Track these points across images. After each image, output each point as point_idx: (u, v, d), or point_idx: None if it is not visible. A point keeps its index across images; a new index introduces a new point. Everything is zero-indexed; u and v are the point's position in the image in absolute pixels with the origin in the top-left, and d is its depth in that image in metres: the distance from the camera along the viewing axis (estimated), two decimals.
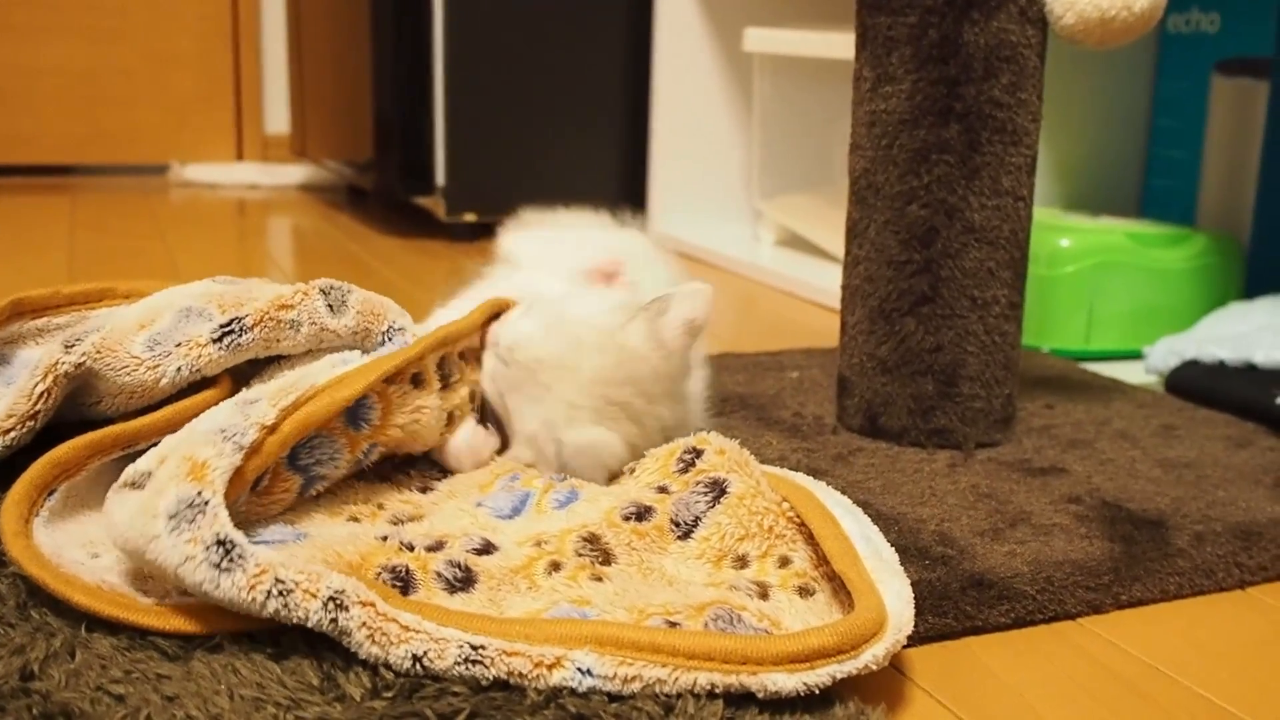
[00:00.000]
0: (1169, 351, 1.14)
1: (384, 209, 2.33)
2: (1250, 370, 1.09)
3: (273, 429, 0.67)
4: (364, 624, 0.57)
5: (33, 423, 0.76)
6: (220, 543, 0.58)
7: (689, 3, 1.94)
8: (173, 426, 0.73)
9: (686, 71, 1.96)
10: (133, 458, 0.67)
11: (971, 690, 0.66)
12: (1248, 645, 0.72)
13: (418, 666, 0.56)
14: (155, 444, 0.67)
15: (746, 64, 1.97)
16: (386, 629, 0.57)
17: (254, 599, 0.57)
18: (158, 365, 0.77)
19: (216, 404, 0.76)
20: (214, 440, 0.64)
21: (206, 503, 0.60)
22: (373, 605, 0.57)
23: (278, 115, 2.71)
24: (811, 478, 0.76)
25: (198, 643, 0.60)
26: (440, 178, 1.92)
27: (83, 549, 0.66)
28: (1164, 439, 0.97)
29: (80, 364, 0.76)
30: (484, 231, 2.02)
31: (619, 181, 2.04)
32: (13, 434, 0.76)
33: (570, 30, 1.96)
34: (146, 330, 0.79)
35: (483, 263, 1.03)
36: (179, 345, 0.77)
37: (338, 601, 0.57)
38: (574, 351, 0.76)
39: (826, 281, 1.64)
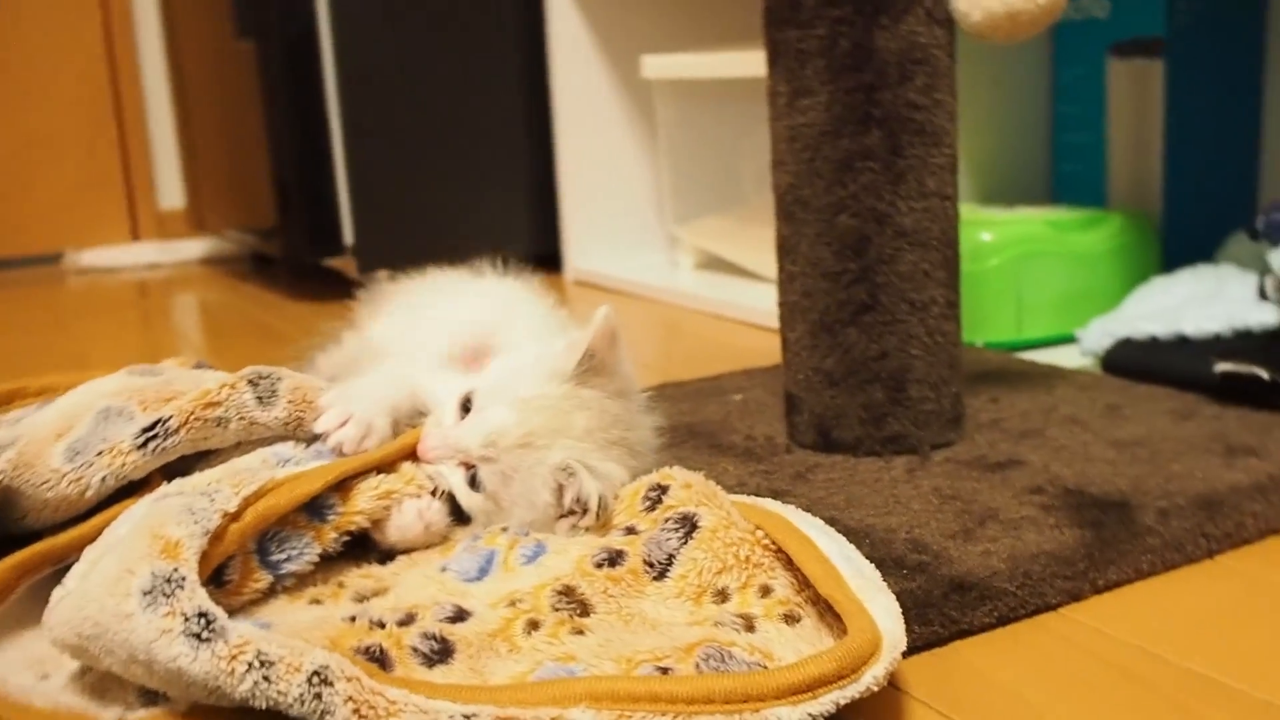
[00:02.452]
0: (1102, 332, 1.15)
1: (292, 275, 2.29)
2: (1183, 342, 1.10)
3: (235, 516, 0.64)
4: (350, 699, 0.54)
5: None
6: (201, 614, 0.56)
7: (583, 36, 1.93)
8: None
9: (587, 105, 1.95)
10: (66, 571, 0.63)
11: (967, 695, 0.65)
12: (1225, 613, 0.73)
13: None
14: None
15: (646, 91, 1.97)
16: (374, 703, 0.54)
17: (233, 671, 0.54)
18: (80, 478, 0.73)
19: None
20: (184, 521, 0.62)
21: (184, 578, 0.58)
22: (358, 680, 0.54)
23: (171, 190, 2.65)
24: (778, 501, 0.75)
25: None
26: (349, 237, 1.89)
27: (30, 671, 0.63)
28: (1111, 419, 0.98)
29: None
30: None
31: (531, 221, 2.03)
32: None
33: (466, 74, 1.94)
34: (65, 439, 0.75)
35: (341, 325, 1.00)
36: (100, 454, 0.74)
37: (322, 676, 0.54)
38: (557, 417, 0.75)
39: (750, 299, 1.64)
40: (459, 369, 0.84)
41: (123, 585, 0.57)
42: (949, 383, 0.94)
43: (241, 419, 0.77)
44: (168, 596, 0.57)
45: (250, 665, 0.54)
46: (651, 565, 0.69)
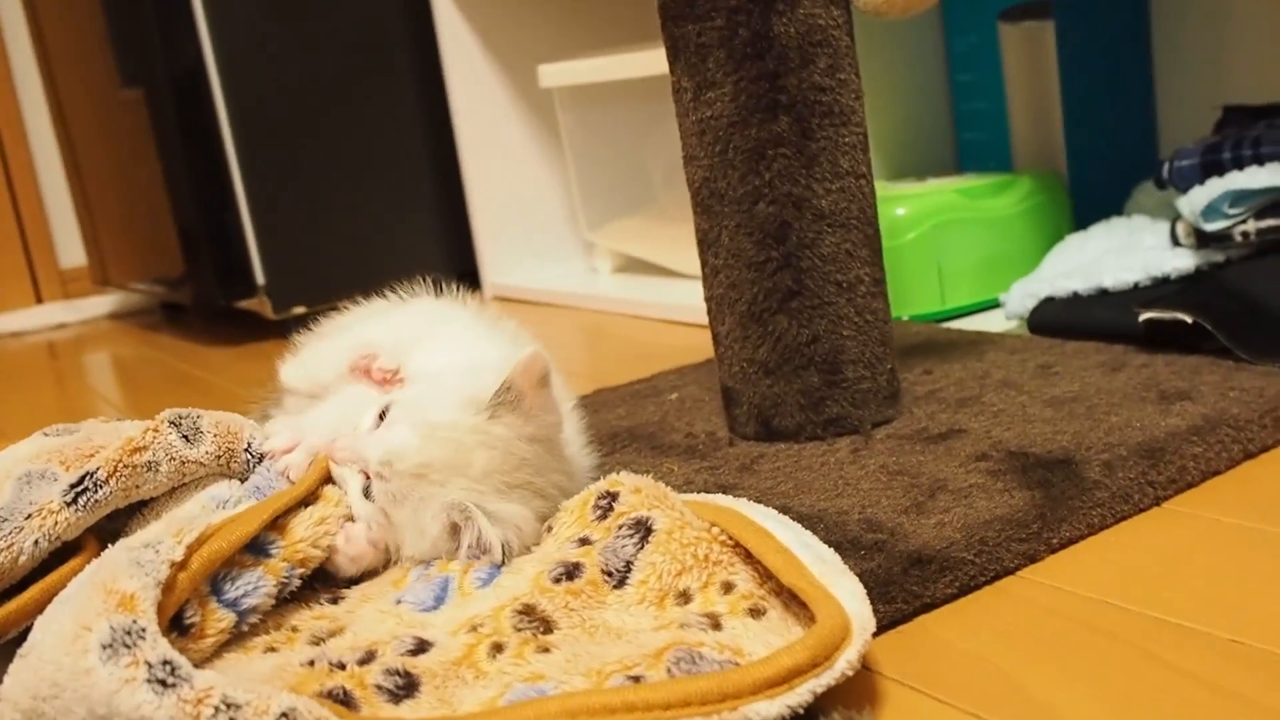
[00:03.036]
0: (1024, 294, 1.16)
1: (204, 320, 2.24)
2: (1103, 295, 1.12)
3: (182, 565, 0.63)
4: None
5: None
6: (165, 662, 0.54)
7: (475, 52, 1.92)
8: (43, 606, 0.68)
9: (487, 120, 1.94)
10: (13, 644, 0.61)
11: (938, 668, 0.65)
12: (1179, 558, 0.73)
13: None
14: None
15: (546, 100, 1.96)
16: None
17: (199, 716, 0.53)
18: (11, 545, 0.70)
19: (82, 568, 0.71)
20: (135, 574, 0.60)
21: (144, 629, 0.56)
22: None
23: (71, 248, 2.58)
24: (729, 496, 0.74)
25: None
26: (260, 277, 1.86)
27: None
28: (1044, 379, 0.99)
29: None
30: (316, 321, 1.96)
31: (443, 240, 2.00)
32: None
33: (362, 100, 1.91)
34: None
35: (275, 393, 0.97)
36: (30, 517, 0.71)
37: (290, 718, 0.53)
38: (458, 453, 0.72)
39: (670, 297, 1.63)
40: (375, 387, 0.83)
41: (80, 642, 0.56)
42: (883, 360, 0.94)
43: (171, 459, 0.75)
44: (129, 648, 0.55)
45: (216, 709, 0.53)
46: (610, 574, 0.68)
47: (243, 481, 0.79)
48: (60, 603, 0.62)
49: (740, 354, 0.94)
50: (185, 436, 0.77)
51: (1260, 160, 1.07)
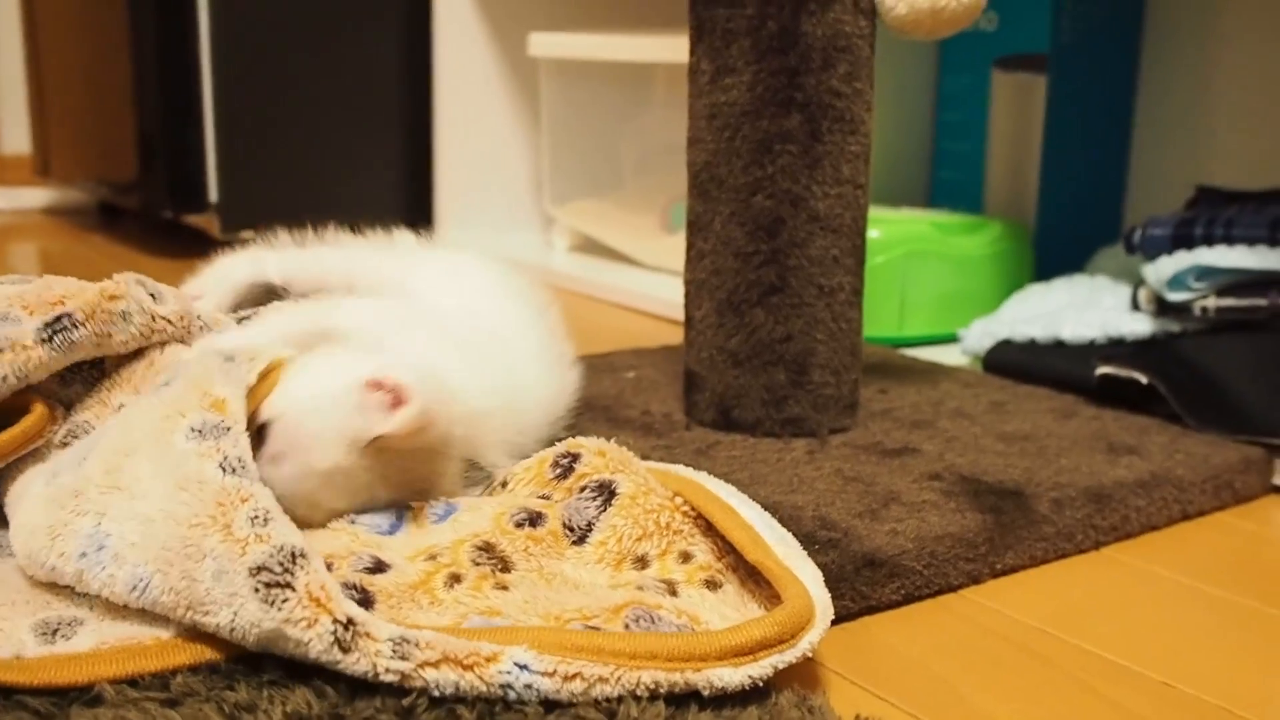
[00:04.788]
0: (983, 333, 1.18)
1: (144, 229, 2.19)
2: (1059, 346, 1.14)
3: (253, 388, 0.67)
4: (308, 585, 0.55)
5: None
6: (239, 458, 0.61)
7: (469, 9, 1.90)
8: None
9: (469, 78, 1.92)
10: None
11: (880, 668, 0.65)
12: (1116, 600, 0.75)
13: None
14: None
15: (531, 69, 1.95)
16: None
17: (241, 501, 0.58)
18: None
19: (39, 429, 0.69)
20: (226, 381, 0.65)
21: (229, 428, 0.62)
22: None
23: (16, 135, 2.51)
24: (690, 469, 0.75)
25: (73, 697, 0.53)
26: (213, 194, 1.82)
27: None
28: (997, 414, 1.01)
29: None
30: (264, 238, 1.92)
31: (404, 190, 1.98)
32: None
33: (346, 36, 1.89)
34: None
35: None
36: (0, 351, 0.69)
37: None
38: (336, 496, 0.68)
39: (625, 283, 1.63)
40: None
41: (171, 421, 0.62)
42: (849, 369, 0.95)
43: (143, 312, 0.74)
44: (214, 439, 0.61)
45: (255, 512, 0.57)
46: (571, 530, 0.68)
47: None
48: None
49: (711, 340, 0.95)
50: (152, 295, 0.76)
51: (1230, 241, 1.10)
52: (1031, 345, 1.15)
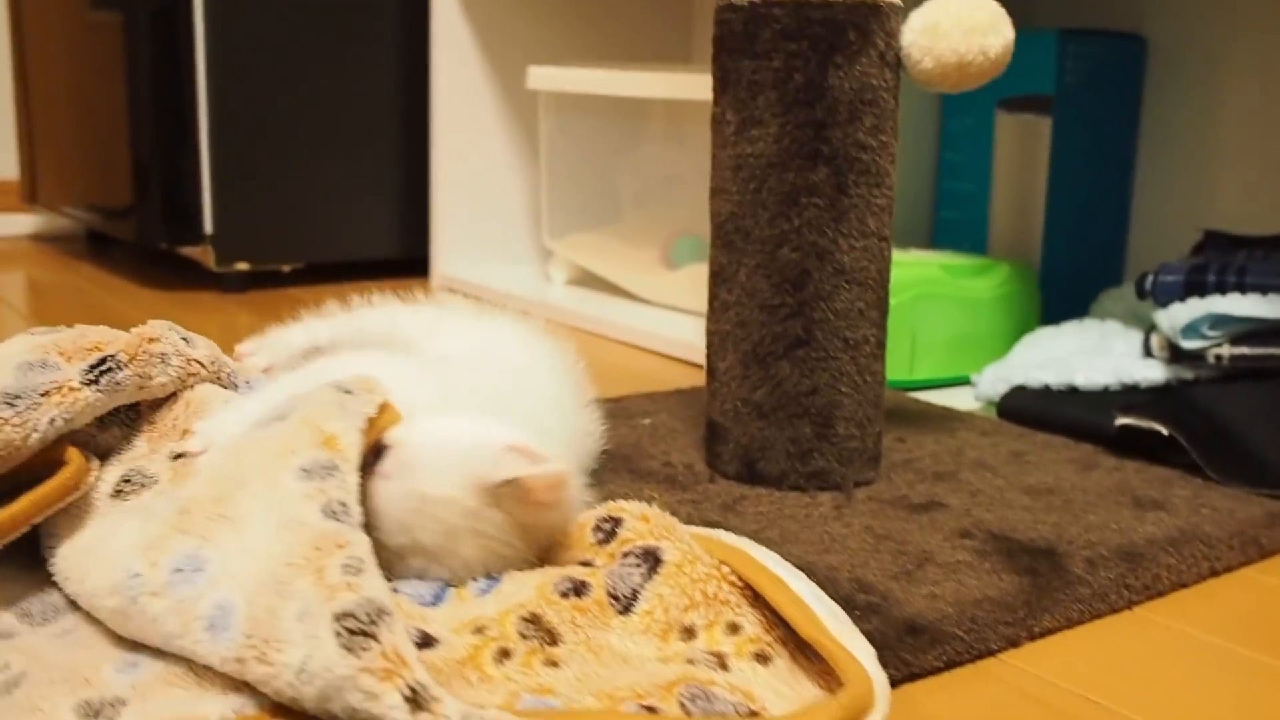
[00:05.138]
0: (996, 378, 1.18)
1: (133, 258, 2.17)
2: (1073, 392, 1.14)
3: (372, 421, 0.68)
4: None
5: None
6: (342, 503, 0.60)
7: (466, 41, 1.89)
8: (39, 511, 0.66)
9: (466, 109, 1.91)
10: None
11: None
12: (1150, 663, 0.75)
13: None
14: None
15: (527, 101, 1.95)
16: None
17: (337, 549, 0.58)
18: (24, 421, 0.68)
19: (76, 481, 0.68)
20: (340, 416, 0.65)
21: (338, 468, 0.62)
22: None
23: (2, 160, 2.48)
24: (732, 534, 0.74)
25: None
26: (209, 225, 1.80)
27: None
28: (1018, 466, 1.01)
29: None
30: (257, 281, 1.91)
31: (400, 222, 1.97)
32: None
33: (343, 66, 1.88)
34: None
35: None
36: (47, 394, 0.69)
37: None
38: (447, 538, 0.68)
39: (625, 318, 1.63)
40: None
41: (283, 460, 0.62)
42: (873, 422, 0.95)
43: (179, 354, 0.76)
44: (320, 479, 0.61)
45: (349, 560, 0.57)
46: (616, 599, 0.67)
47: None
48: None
49: (736, 392, 0.94)
50: (184, 339, 0.78)
51: (1243, 289, 1.11)
52: (1046, 391, 1.15)
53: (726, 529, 0.83)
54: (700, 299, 1.63)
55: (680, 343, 1.50)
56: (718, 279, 0.95)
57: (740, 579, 0.68)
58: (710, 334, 0.96)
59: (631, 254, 1.78)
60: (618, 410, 1.14)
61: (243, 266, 1.83)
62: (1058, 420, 1.10)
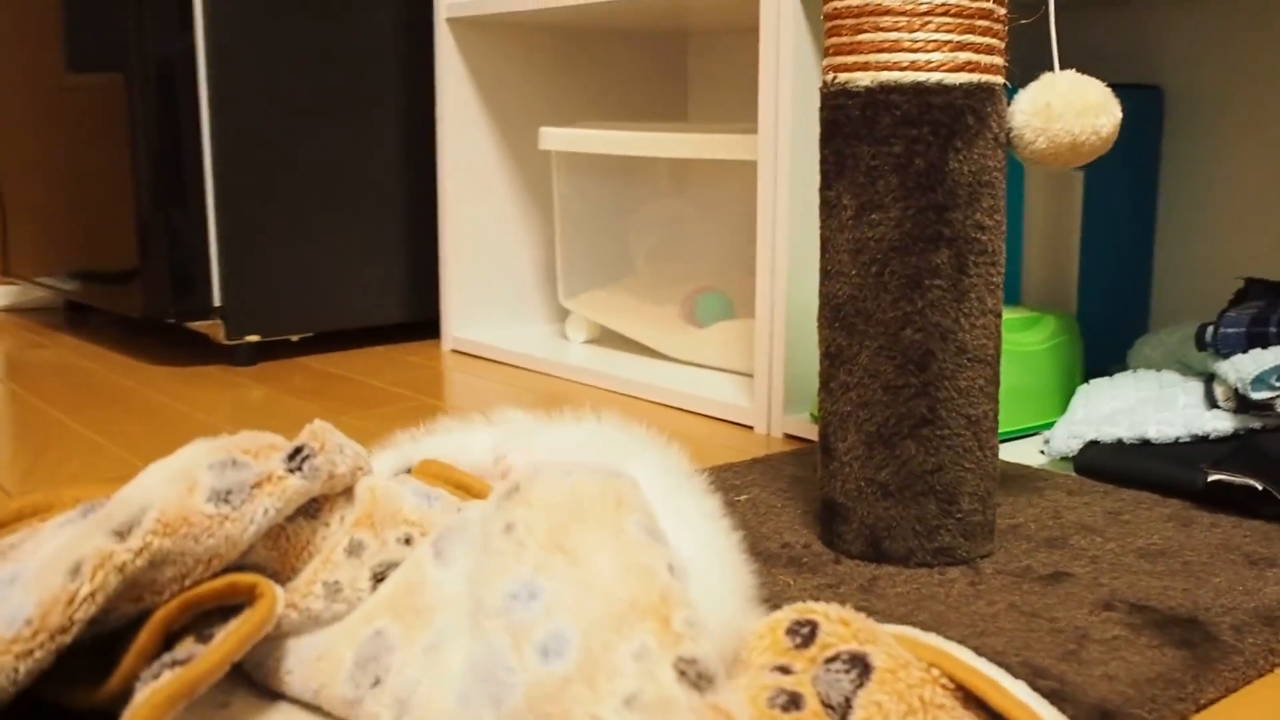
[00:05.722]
0: (1069, 435, 1.20)
1: (116, 329, 2.12)
2: (1146, 445, 1.17)
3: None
4: None
5: (64, 637, 0.63)
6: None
7: (472, 101, 1.89)
8: (241, 649, 0.65)
9: (474, 170, 1.90)
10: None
11: None
12: None
13: None
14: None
15: (534, 160, 1.94)
16: None
17: None
18: (242, 515, 0.68)
19: (269, 616, 0.67)
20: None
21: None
22: None
23: None
24: (922, 631, 0.74)
25: None
26: (218, 297, 1.77)
27: None
28: (1120, 527, 1.03)
29: (143, 549, 0.64)
30: (266, 353, 1.88)
31: (409, 286, 1.95)
32: (36, 655, 0.62)
33: (348, 128, 1.86)
34: (196, 493, 0.68)
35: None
36: (258, 485, 0.69)
37: None
38: None
39: (652, 377, 1.63)
40: None
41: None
42: (992, 494, 0.96)
43: (350, 448, 0.76)
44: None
45: None
46: (831, 708, 0.67)
47: None
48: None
49: (860, 473, 0.95)
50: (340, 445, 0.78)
51: None
52: (1120, 446, 1.18)
53: (875, 614, 0.84)
54: (733, 356, 1.64)
55: (722, 403, 1.51)
56: (835, 360, 0.95)
57: (953, 681, 0.68)
58: (828, 414, 0.97)
59: (651, 310, 1.78)
60: (714, 485, 1.13)
61: (253, 339, 1.80)
62: (1139, 476, 1.13)
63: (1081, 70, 0.94)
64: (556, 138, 1.77)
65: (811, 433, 1.39)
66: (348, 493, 0.77)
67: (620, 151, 1.68)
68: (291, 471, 0.71)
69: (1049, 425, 1.34)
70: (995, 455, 0.97)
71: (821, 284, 0.96)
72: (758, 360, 1.44)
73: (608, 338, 1.88)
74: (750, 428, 1.47)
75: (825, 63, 0.95)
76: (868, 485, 0.95)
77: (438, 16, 1.85)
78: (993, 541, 0.98)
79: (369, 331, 2.00)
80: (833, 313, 0.95)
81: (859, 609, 0.85)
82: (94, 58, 1.81)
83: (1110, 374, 1.39)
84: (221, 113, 1.73)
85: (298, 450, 0.72)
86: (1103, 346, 1.46)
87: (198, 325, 1.80)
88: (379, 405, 1.59)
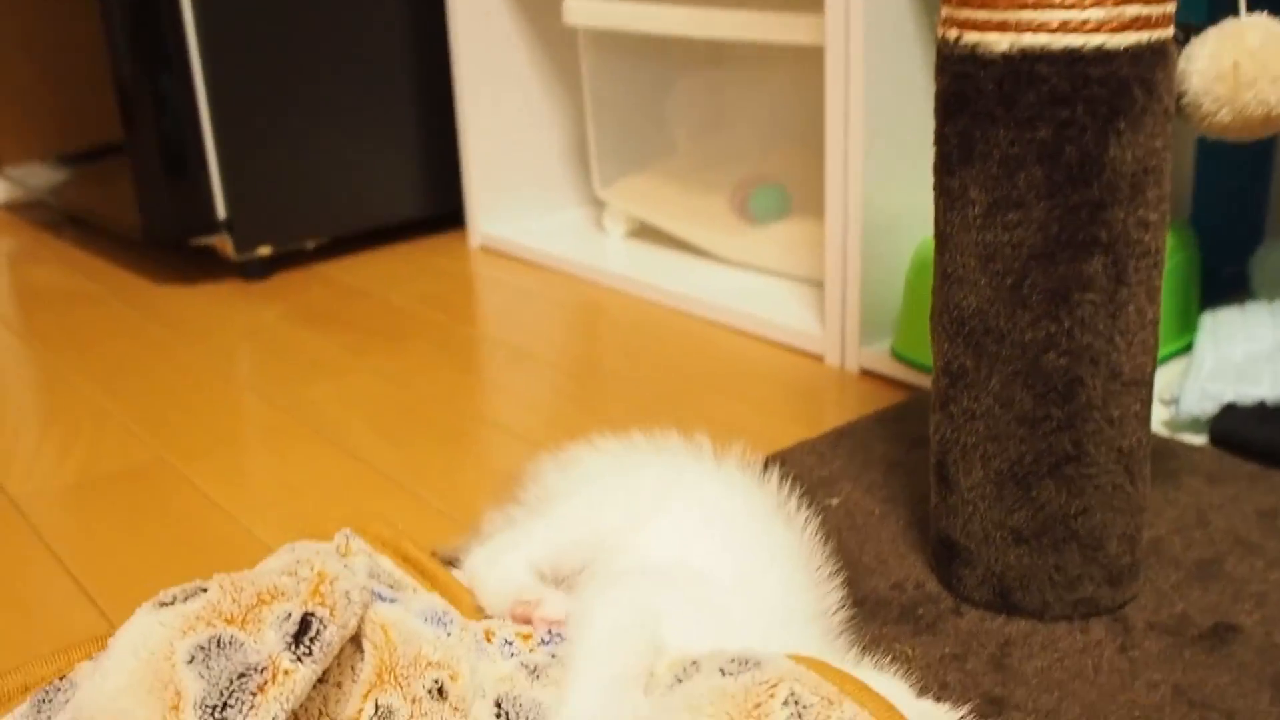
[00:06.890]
0: (1201, 395, 1.04)
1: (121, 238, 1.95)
2: None
3: None
4: None
5: None
6: None
7: None
8: None
9: (492, 48, 1.69)
10: None
11: None
12: None
13: None
14: None
15: (562, 39, 1.73)
16: None
17: None
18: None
19: None
20: None
21: None
22: None
23: None
24: None
25: None
26: (222, 209, 1.59)
27: None
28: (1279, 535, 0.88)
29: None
30: (277, 265, 1.71)
31: (429, 180, 1.77)
32: None
33: (351, 17, 1.64)
34: (182, 710, 0.54)
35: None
36: (261, 689, 0.56)
37: None
38: None
39: (698, 288, 1.47)
40: None
41: None
42: (1140, 530, 0.81)
43: (356, 586, 0.63)
44: None
45: None
46: None
47: None
48: None
49: (987, 514, 0.80)
50: (344, 564, 0.66)
51: None
52: (1263, 412, 1.02)
53: (1007, 699, 0.70)
54: (795, 262, 1.47)
55: (787, 328, 1.35)
56: (957, 381, 0.79)
57: None
58: (946, 442, 0.81)
59: (697, 203, 1.60)
60: (782, 470, 0.99)
61: (264, 251, 1.63)
62: None
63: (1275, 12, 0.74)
64: (583, 11, 1.55)
65: (895, 370, 1.23)
66: (355, 638, 0.63)
67: (659, 30, 1.47)
68: (303, 658, 0.56)
69: (1167, 357, 1.17)
70: (1147, 485, 0.81)
71: (938, 284, 0.79)
72: (828, 279, 1.27)
73: (649, 232, 1.70)
74: (820, 358, 1.31)
75: (945, 13, 0.75)
76: (996, 529, 0.80)
77: None
78: (1138, 580, 0.83)
79: (390, 230, 1.83)
80: (954, 325, 0.78)
81: (991, 700, 0.71)
82: None
83: (1231, 285, 1.22)
84: (206, 16, 1.52)
85: (304, 623, 0.57)
86: (1221, 253, 1.28)
87: (205, 242, 1.63)
88: (404, 337, 1.43)
